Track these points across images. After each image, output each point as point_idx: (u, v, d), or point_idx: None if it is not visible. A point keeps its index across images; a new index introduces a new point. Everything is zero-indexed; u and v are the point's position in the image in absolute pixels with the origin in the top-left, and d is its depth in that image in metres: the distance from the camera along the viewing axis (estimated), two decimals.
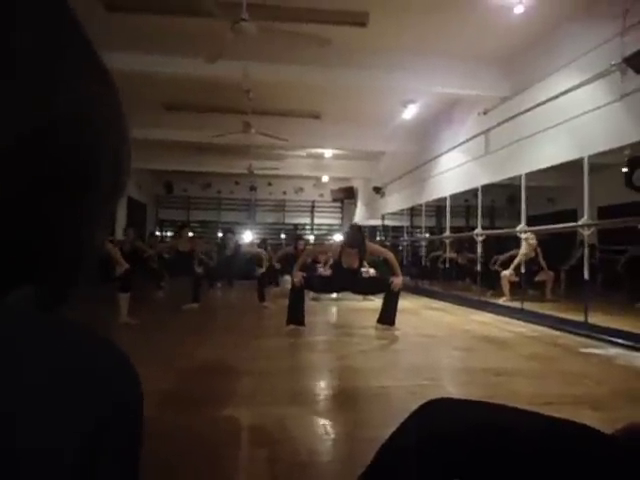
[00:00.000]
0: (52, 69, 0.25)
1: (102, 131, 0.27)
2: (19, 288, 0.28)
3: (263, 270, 6.03)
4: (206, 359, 3.11)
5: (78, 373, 0.27)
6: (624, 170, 4.16)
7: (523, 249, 6.03)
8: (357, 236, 4.36)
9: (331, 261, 4.95)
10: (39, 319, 0.28)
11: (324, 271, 6.05)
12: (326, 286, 4.82)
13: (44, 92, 0.24)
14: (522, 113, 5.53)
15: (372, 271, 5.19)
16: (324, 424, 1.99)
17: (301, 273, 4.36)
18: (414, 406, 0.81)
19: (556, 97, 4.94)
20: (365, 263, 6.50)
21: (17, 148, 0.23)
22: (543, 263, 6.49)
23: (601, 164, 5.05)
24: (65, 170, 0.25)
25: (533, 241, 6.18)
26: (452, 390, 2.57)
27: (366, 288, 4.78)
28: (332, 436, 1.87)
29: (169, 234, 14.54)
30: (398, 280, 4.31)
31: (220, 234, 9.19)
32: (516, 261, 6.07)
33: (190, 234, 7.35)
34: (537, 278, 6.54)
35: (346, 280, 4.45)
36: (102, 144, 0.28)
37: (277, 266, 7.76)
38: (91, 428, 0.26)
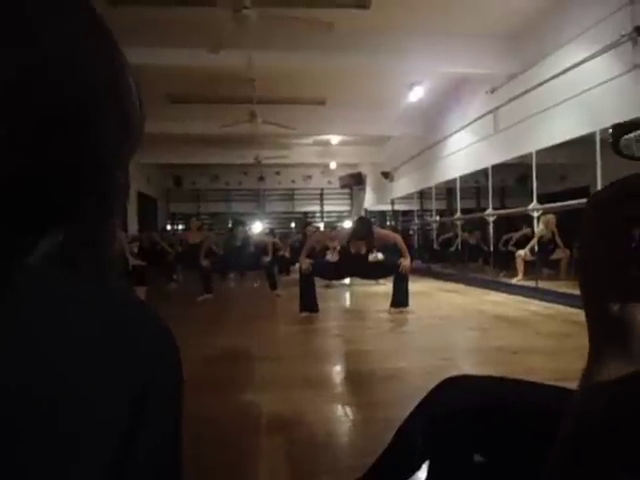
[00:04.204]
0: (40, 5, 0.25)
1: (91, 69, 0.27)
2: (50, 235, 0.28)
3: (269, 258, 5.98)
4: (222, 347, 3.15)
5: (123, 337, 0.28)
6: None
7: (539, 230, 5.96)
8: (363, 228, 4.40)
9: (338, 246, 4.93)
10: (75, 281, 0.29)
11: (331, 257, 6.04)
12: (335, 272, 4.82)
13: (34, 28, 0.24)
14: (531, 89, 5.43)
15: (380, 255, 5.18)
16: (341, 406, 2.01)
17: (308, 260, 4.37)
18: (430, 386, 0.81)
19: (565, 71, 4.84)
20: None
21: (18, 81, 0.24)
22: (559, 241, 6.43)
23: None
24: (59, 104, 0.25)
25: (553, 226, 6.12)
26: (468, 369, 2.57)
27: (375, 272, 4.80)
28: (349, 417, 1.88)
29: (180, 227, 14.66)
30: (406, 262, 4.37)
31: (230, 225, 9.20)
32: (532, 242, 6.01)
33: (198, 225, 7.42)
34: (554, 256, 6.49)
35: (355, 265, 4.46)
36: (93, 81, 0.27)
37: (287, 255, 7.74)
38: (139, 381, 0.27)
